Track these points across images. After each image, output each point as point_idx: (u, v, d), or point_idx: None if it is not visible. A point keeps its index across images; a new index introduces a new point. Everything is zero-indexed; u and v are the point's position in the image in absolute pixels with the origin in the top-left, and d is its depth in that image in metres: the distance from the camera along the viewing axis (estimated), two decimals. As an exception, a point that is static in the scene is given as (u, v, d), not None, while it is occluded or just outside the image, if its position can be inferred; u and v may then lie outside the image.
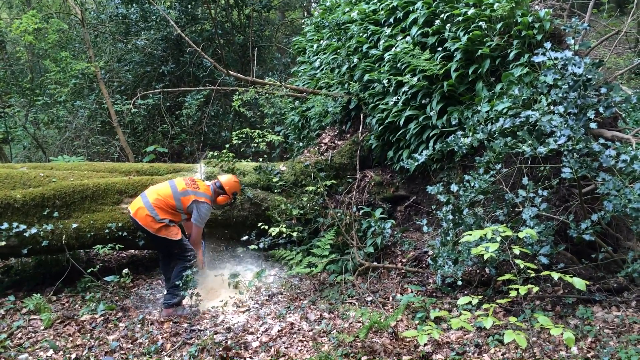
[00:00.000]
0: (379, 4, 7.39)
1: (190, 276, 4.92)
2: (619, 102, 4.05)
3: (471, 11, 5.66)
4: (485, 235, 3.21)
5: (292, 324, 4.59)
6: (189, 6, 12.03)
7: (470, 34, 5.56)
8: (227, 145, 8.56)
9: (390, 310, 4.73)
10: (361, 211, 6.24)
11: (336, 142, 7.50)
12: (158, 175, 6.49)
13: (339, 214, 6.06)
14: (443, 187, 4.79)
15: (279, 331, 4.45)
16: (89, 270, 5.47)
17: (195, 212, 5.13)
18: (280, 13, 17.91)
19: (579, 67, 4.04)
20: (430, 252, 5.15)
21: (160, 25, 11.38)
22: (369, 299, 5.04)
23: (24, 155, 11.22)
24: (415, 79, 5.98)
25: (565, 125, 3.92)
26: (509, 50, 5.34)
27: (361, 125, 7.21)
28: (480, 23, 5.56)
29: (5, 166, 6.34)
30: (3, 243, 5.23)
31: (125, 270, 5.37)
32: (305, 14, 17.92)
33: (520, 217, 4.14)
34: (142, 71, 11.62)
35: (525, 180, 4.23)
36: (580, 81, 4.04)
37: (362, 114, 7.23)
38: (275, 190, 6.61)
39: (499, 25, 5.48)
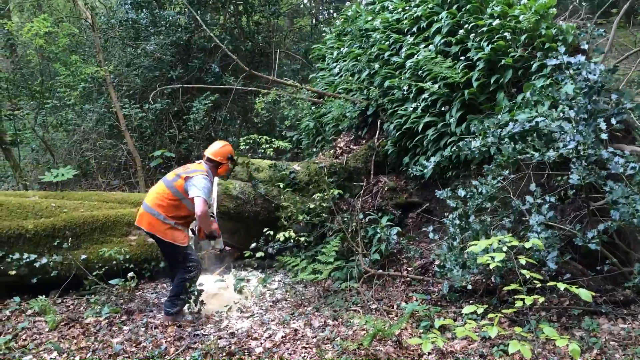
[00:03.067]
0: (402, 13, 7.43)
1: (192, 286, 4.91)
2: (630, 108, 4.05)
3: (496, 22, 5.71)
4: (491, 244, 3.20)
5: (296, 330, 4.58)
6: (199, 12, 12.10)
7: (494, 44, 5.58)
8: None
9: (395, 318, 4.71)
10: (367, 218, 6.22)
11: (351, 146, 7.50)
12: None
13: (345, 220, 6.05)
14: (452, 192, 4.78)
15: (282, 337, 4.44)
16: (94, 273, 5.48)
17: (191, 186, 4.79)
18: (288, 20, 17.98)
19: (594, 74, 4.03)
20: (437, 261, 5.13)
21: (170, 31, 11.44)
22: (373, 306, 5.02)
23: (32, 157, 11.27)
24: (437, 86, 5.99)
25: (575, 131, 3.91)
26: (531, 62, 5.36)
27: (378, 132, 7.21)
28: (505, 34, 5.60)
29: (17, 194, 6.51)
30: (13, 272, 5.34)
31: (130, 274, 5.39)
32: (314, 21, 18.00)
33: (528, 225, 4.12)
34: (150, 76, 11.67)
35: (532, 187, 4.22)
36: (595, 87, 4.03)
37: (379, 121, 7.22)
38: (287, 189, 6.60)
39: (523, 37, 5.53)
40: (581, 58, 4.14)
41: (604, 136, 3.95)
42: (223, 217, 6.00)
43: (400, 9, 7.53)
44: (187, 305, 5.01)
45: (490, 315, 3.00)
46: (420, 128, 6.21)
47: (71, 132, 11.12)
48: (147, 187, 9.90)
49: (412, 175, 6.55)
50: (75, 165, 10.26)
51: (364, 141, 7.47)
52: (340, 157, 7.23)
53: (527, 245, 3.14)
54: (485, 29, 5.82)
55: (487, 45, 5.68)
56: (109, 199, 6.70)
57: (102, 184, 10.45)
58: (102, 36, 11.76)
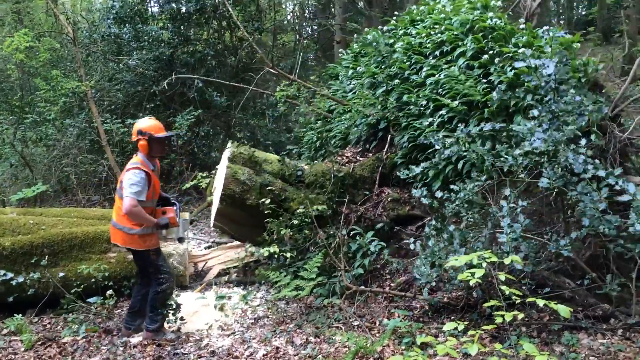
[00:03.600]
0: (426, 38, 7.50)
1: (170, 299, 4.85)
2: (591, 110, 4.14)
3: (521, 50, 5.81)
4: (470, 260, 3.21)
5: (277, 348, 4.54)
6: (182, 27, 12.12)
7: (517, 69, 5.68)
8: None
9: (377, 335, 4.69)
10: (352, 232, 6.18)
11: (358, 157, 7.50)
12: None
13: (328, 236, 6.02)
14: (429, 193, 4.84)
15: (264, 355, 4.40)
16: (72, 291, 5.38)
17: (122, 188, 4.57)
18: (272, 36, 18.08)
19: (549, 67, 4.12)
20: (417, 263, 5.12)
21: (153, 46, 11.43)
22: (355, 323, 5.00)
23: (10, 173, 11.10)
24: (456, 103, 6.03)
25: (540, 129, 3.98)
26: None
27: (387, 146, 7.19)
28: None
29: (-6, 211, 6.36)
30: None
31: (109, 292, 5.30)
32: (297, 37, 18.11)
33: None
34: (133, 91, 11.63)
35: (507, 191, 4.28)
36: (551, 81, 4.10)
37: (389, 135, 7.20)
38: (292, 184, 6.57)
39: None
40: (551, 63, 4.24)
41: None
42: (227, 202, 5.90)
43: (424, 35, 7.63)
44: (167, 322, 4.93)
45: (470, 332, 3.00)
46: (434, 143, 6.16)
47: (51, 147, 11.00)
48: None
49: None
50: (55, 181, 10.15)
51: (370, 154, 7.47)
52: (346, 165, 7.22)
53: (507, 261, 3.15)
54: (509, 54, 5.92)
55: (510, 70, 5.78)
56: (89, 215, 6.61)
57: (82, 200, 10.32)
58: (84, 51, 11.70)
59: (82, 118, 10.83)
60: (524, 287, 4.31)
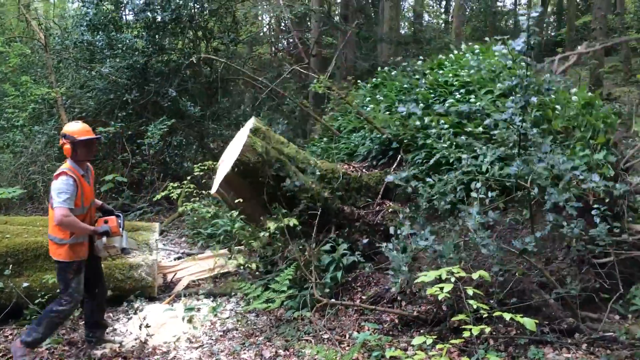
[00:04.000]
0: (452, 78, 7.56)
1: (62, 323, 4.67)
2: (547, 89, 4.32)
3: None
4: (440, 275, 3.25)
5: (246, 361, 4.49)
6: (157, 36, 12.02)
7: (542, 111, 5.89)
8: (189, 177, 8.49)
9: (347, 348, 4.68)
10: (327, 245, 6.16)
11: (364, 170, 7.50)
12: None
13: (300, 248, 5.99)
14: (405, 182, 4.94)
15: (232, 368, 4.34)
16: (36, 301, 5.24)
17: (50, 198, 4.45)
18: (248, 47, 18.11)
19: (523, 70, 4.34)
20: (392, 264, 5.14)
21: (127, 54, 11.30)
22: (325, 336, 4.98)
23: (-25, 180, 10.81)
24: (479, 129, 6.09)
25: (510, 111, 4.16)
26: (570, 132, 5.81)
27: (395, 164, 7.18)
28: (557, 106, 6.03)
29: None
30: None
31: (74, 303, 5.17)
32: (273, 49, 18.17)
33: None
34: (105, 98, 11.46)
35: (477, 184, 4.41)
36: (525, 80, 4.28)
37: (399, 155, 7.19)
38: (302, 173, 6.50)
39: (569, 112, 5.96)
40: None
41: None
42: (239, 169, 5.77)
43: (451, 75, 7.72)
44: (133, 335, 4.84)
45: (439, 346, 3.02)
46: (450, 160, 6.09)
47: (18, 154, 10.75)
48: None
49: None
50: (22, 188, 9.90)
51: (376, 170, 7.49)
52: (353, 172, 7.22)
53: (474, 276, 3.19)
54: (535, 99, 6.05)
55: (537, 111, 5.90)
56: (55, 224, 6.45)
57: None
58: (55, 57, 11.51)
59: (52, 125, 10.62)
60: (492, 301, 4.37)
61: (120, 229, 4.74)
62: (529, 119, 5.10)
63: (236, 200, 5.98)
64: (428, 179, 4.94)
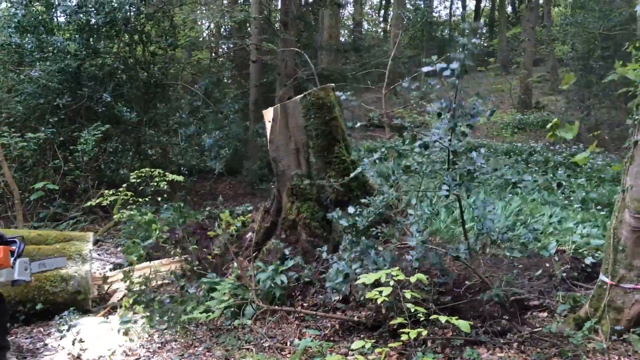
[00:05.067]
0: None
1: None
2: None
3: None
4: (379, 278, 3.31)
5: (185, 372, 4.40)
6: (91, 39, 11.64)
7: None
8: (125, 185, 8.25)
9: (288, 355, 4.67)
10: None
11: None
12: (46, 245, 6.04)
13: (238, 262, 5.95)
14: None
15: (170, 381, 4.25)
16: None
17: None
18: (187, 52, 17.82)
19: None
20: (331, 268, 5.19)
21: (58, 57, 10.88)
22: (266, 344, 4.95)
23: None
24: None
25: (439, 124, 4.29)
26: None
27: None
28: None
29: None
30: None
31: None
32: (213, 55, 17.97)
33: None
34: (34, 103, 10.98)
35: (413, 200, 4.52)
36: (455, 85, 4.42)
37: None
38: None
39: None
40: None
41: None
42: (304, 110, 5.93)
43: None
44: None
45: (378, 350, 3.07)
46: None
47: None
48: (25, 221, 9.19)
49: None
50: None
51: None
52: None
53: (412, 279, 3.27)
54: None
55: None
56: (-21, 235, 6.11)
57: (-27, 219, 9.54)
58: (-20, 59, 10.95)
59: (-25, 131, 10.07)
60: (430, 303, 4.48)
61: (11, 259, 4.21)
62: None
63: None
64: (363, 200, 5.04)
